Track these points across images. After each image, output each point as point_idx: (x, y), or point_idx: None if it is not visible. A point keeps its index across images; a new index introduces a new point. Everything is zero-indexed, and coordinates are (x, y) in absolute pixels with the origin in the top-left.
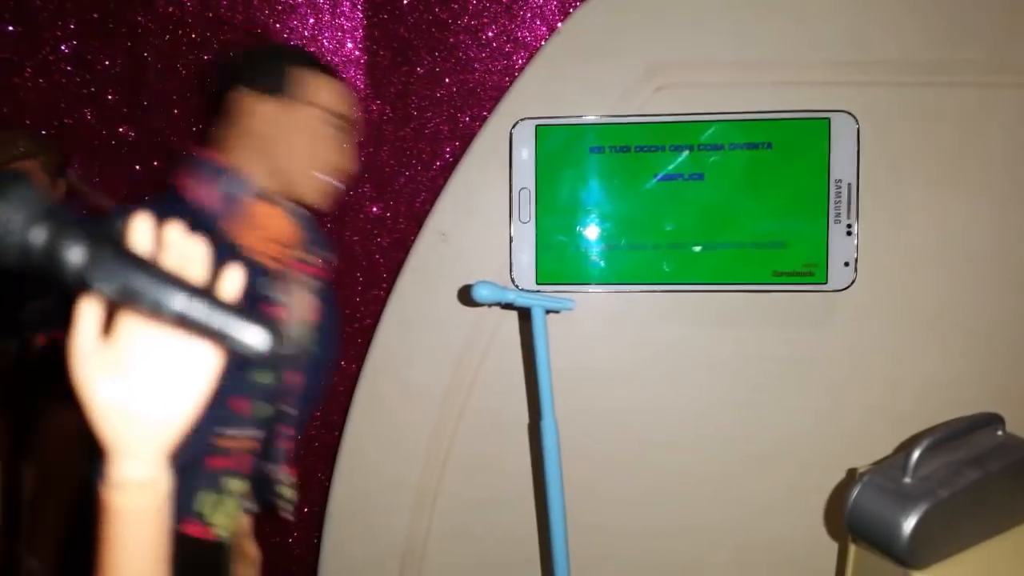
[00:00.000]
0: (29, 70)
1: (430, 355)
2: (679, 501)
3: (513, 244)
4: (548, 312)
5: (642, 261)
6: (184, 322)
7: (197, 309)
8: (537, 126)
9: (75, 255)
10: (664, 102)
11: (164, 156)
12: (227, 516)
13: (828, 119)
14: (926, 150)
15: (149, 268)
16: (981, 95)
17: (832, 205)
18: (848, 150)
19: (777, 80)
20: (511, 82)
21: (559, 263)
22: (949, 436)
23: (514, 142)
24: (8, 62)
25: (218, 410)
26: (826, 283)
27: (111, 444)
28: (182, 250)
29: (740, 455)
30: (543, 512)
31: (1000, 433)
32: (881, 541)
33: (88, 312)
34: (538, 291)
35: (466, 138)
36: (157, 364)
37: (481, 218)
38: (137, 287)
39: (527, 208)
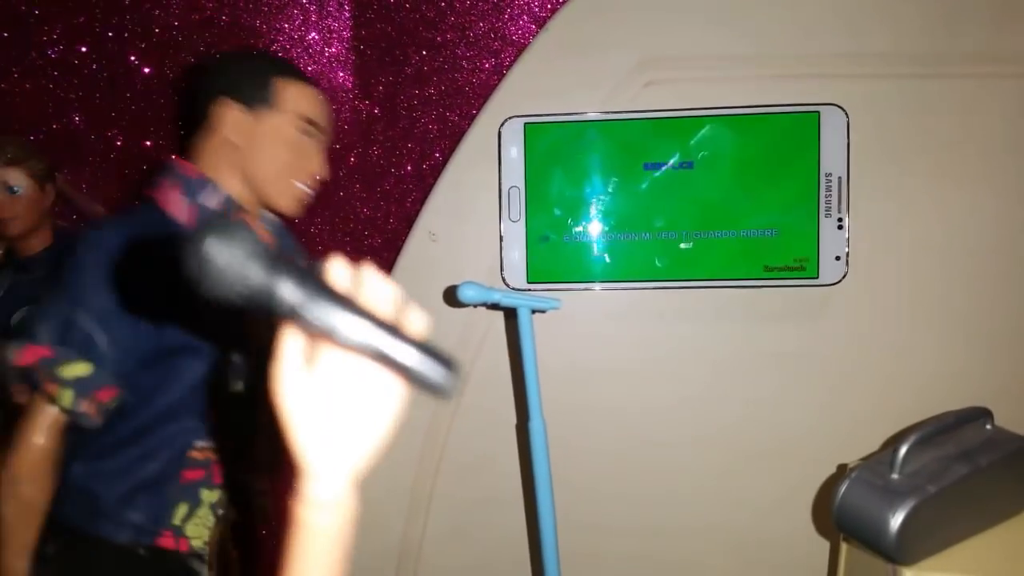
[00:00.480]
0: (16, 75)
1: None
2: (673, 499)
3: (503, 243)
4: (535, 312)
5: (634, 258)
6: (378, 356)
7: (390, 345)
8: (526, 124)
9: (288, 292)
10: (654, 97)
11: (153, 161)
12: (202, 526)
13: (818, 112)
14: (917, 143)
15: (350, 305)
16: (973, 86)
17: (823, 199)
18: (838, 143)
19: (767, 73)
20: (500, 80)
21: (550, 261)
22: (937, 431)
23: (503, 140)
24: None
25: (192, 422)
26: (817, 277)
27: (308, 465)
28: (377, 289)
29: (733, 452)
30: (533, 513)
31: (989, 427)
32: (869, 538)
33: (293, 343)
34: (529, 290)
35: (455, 137)
36: (353, 395)
37: (471, 217)
38: (339, 321)
39: (517, 207)
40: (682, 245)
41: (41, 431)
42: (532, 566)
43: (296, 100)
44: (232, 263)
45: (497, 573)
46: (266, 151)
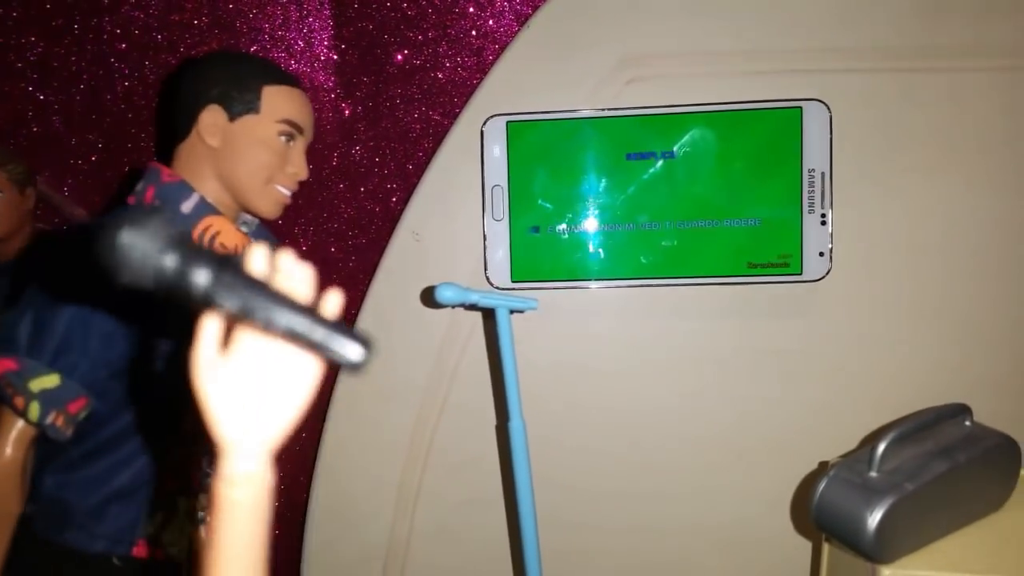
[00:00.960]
0: None
1: (408, 355)
2: (657, 496)
3: (487, 242)
4: (513, 312)
5: (618, 256)
6: (292, 336)
7: (303, 325)
8: (508, 122)
9: (201, 277)
10: (637, 94)
11: (133, 165)
12: (179, 533)
13: (800, 108)
14: (900, 137)
15: (263, 289)
16: (956, 80)
17: (806, 195)
18: (821, 139)
19: (750, 69)
20: (482, 78)
21: (534, 260)
22: (916, 428)
23: (485, 139)
24: None
25: (169, 430)
26: (801, 274)
27: (224, 443)
28: (291, 273)
29: (719, 449)
30: (515, 512)
31: (968, 424)
32: (848, 536)
33: (210, 327)
34: (513, 289)
35: (438, 136)
36: (268, 374)
37: (455, 217)
38: (253, 305)
39: (500, 205)
40: (665, 242)
41: (10, 443)
42: (513, 565)
43: (279, 103)
44: (143, 250)
45: (484, 571)
46: (244, 154)
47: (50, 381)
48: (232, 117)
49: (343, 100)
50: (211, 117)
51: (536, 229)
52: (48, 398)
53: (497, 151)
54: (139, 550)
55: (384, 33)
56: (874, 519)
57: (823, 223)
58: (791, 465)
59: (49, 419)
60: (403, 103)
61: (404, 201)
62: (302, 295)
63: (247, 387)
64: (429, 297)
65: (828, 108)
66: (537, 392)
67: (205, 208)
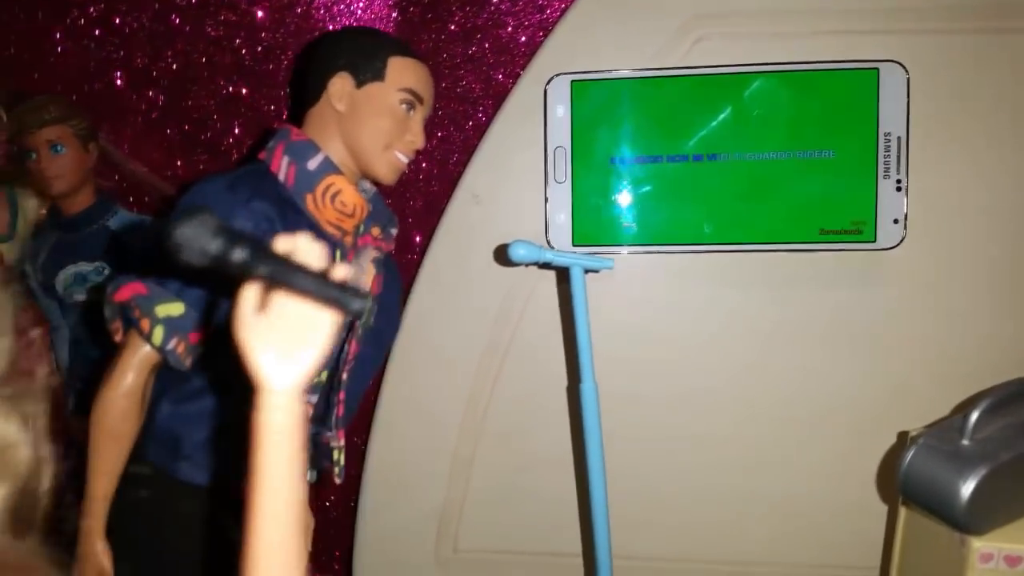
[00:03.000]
0: (58, 35)
1: (465, 320)
2: (723, 467)
3: (548, 205)
4: (587, 272)
5: (683, 221)
6: (309, 294)
7: (317, 285)
8: (573, 82)
9: (240, 255)
10: (704, 54)
11: (194, 121)
12: None
13: (877, 69)
14: (980, 101)
15: (287, 260)
16: None
17: (881, 160)
18: (898, 102)
19: (824, 29)
20: (545, 36)
21: (596, 224)
22: (1009, 397)
23: (549, 99)
24: (37, 27)
25: None
26: (875, 241)
27: (262, 380)
28: (308, 249)
29: (786, 419)
30: (582, 475)
31: None
32: (936, 505)
33: (248, 292)
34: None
35: (499, 97)
36: (294, 324)
37: (515, 179)
38: (280, 273)
39: (563, 167)
40: (733, 208)
41: (132, 368)
42: (581, 527)
43: (402, 73)
44: (196, 238)
45: (538, 536)
46: (368, 119)
47: (175, 308)
48: (359, 84)
49: None
50: (340, 83)
51: (599, 192)
52: (172, 324)
53: (560, 111)
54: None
55: None
56: (967, 488)
57: (898, 189)
58: (863, 436)
59: (171, 345)
60: (464, 62)
61: (463, 163)
62: (316, 264)
63: (278, 335)
64: (490, 259)
65: (906, 70)
66: (597, 359)
67: (329, 167)
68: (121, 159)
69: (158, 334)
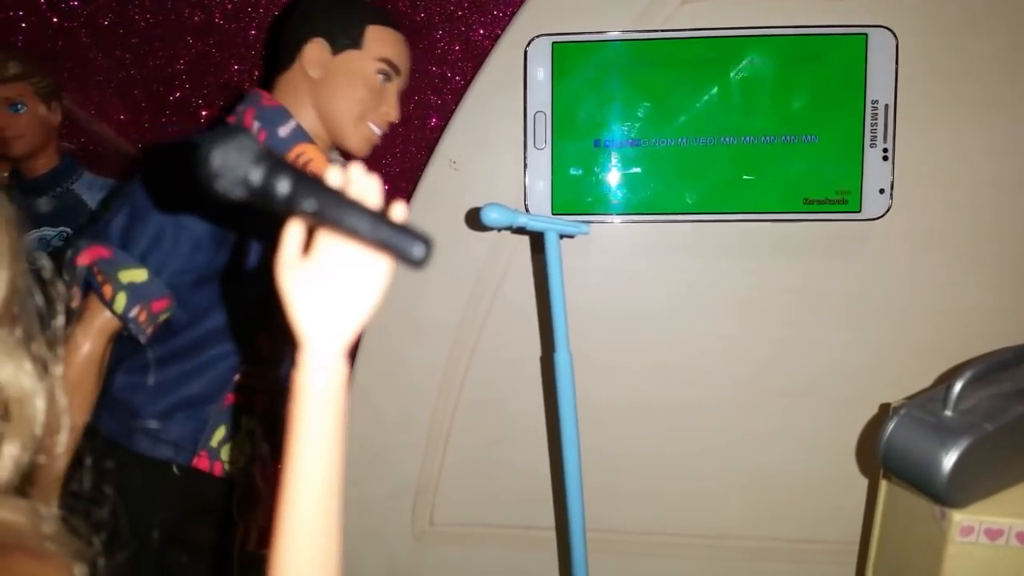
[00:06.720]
0: None
1: (441, 289)
2: (701, 439)
3: (527, 171)
4: (562, 238)
5: (665, 190)
6: (362, 235)
7: (372, 225)
8: (554, 43)
9: (283, 187)
10: (690, 17)
11: (162, 81)
12: (237, 452)
13: (865, 35)
14: (969, 68)
15: (338, 196)
16: None
17: (868, 128)
18: (886, 68)
19: None
20: None
21: (576, 192)
22: (993, 368)
23: (529, 61)
24: None
25: (243, 347)
26: (860, 211)
27: (305, 336)
28: (361, 182)
29: (767, 390)
30: (556, 448)
31: None
32: (918, 477)
33: (292, 233)
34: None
35: (478, 58)
36: (344, 274)
37: (494, 144)
38: (328, 208)
39: (543, 133)
40: (717, 177)
41: (90, 336)
42: (554, 500)
43: (380, 42)
44: (235, 163)
45: (513, 509)
46: (343, 87)
47: (139, 275)
48: (335, 51)
49: None
50: (315, 49)
51: (580, 159)
52: (135, 291)
53: (541, 74)
54: (200, 461)
55: None
56: (949, 460)
57: (885, 158)
58: (845, 407)
59: (133, 312)
60: (441, 21)
61: (440, 128)
62: (371, 201)
63: (325, 286)
64: (468, 223)
65: (895, 36)
66: (574, 330)
67: (300, 135)
68: (87, 121)
69: (120, 300)
